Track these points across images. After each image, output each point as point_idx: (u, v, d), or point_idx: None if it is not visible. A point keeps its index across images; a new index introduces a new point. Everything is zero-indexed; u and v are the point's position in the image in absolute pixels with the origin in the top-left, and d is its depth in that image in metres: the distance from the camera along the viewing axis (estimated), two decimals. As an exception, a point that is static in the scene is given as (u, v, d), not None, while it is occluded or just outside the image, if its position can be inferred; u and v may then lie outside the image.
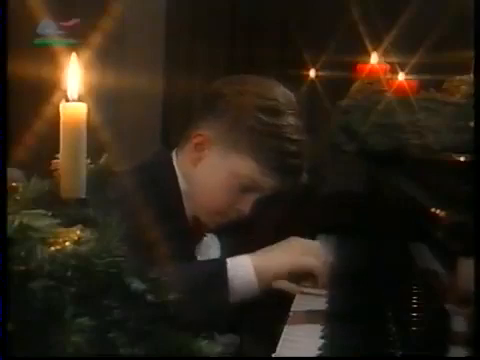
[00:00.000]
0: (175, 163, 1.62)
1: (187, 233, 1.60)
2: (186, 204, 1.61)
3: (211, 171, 1.58)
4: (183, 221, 1.60)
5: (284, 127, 1.56)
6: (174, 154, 1.65)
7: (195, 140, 1.59)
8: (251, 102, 1.56)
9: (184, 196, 1.60)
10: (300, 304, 1.57)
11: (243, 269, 1.42)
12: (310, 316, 1.47)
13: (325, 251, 1.48)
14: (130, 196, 1.23)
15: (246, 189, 1.57)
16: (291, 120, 1.57)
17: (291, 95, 1.63)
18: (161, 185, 1.54)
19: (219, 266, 1.42)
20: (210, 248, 1.70)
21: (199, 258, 1.65)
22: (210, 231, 1.68)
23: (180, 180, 1.61)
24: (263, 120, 1.54)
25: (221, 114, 1.57)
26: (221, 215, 1.61)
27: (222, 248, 1.72)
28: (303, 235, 1.66)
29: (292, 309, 1.56)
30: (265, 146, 1.54)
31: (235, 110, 1.56)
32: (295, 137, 1.57)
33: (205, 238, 1.69)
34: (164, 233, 1.20)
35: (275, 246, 1.53)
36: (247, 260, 1.43)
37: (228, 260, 1.43)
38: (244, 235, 1.76)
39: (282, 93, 1.60)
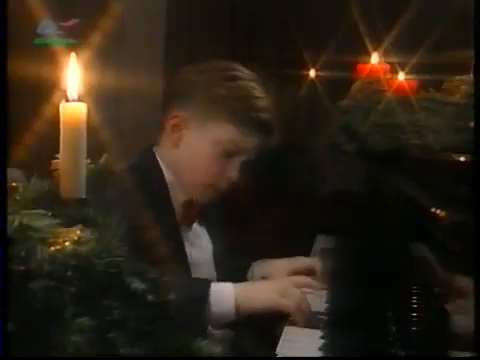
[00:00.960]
0: (158, 157, 1.69)
1: (176, 224, 1.65)
2: (175, 192, 1.66)
3: (193, 146, 1.66)
4: (171, 212, 1.64)
5: (250, 88, 1.67)
6: (155, 149, 1.71)
7: (172, 122, 1.67)
8: (216, 76, 1.67)
9: (171, 186, 1.66)
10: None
11: (225, 297, 1.44)
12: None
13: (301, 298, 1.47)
14: (123, 198, 1.25)
15: (230, 154, 1.65)
16: (253, 84, 1.68)
17: (250, 71, 1.74)
18: (148, 182, 1.58)
19: (202, 289, 1.44)
20: (200, 238, 1.73)
21: (188, 247, 1.67)
22: (204, 210, 1.72)
23: (165, 171, 1.67)
24: (230, 85, 1.65)
25: (191, 93, 1.66)
26: (213, 187, 1.67)
27: (212, 237, 1.75)
28: (303, 235, 1.67)
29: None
30: (238, 108, 1.64)
31: (204, 85, 1.65)
32: (261, 95, 1.67)
33: (195, 227, 1.72)
34: (154, 227, 1.24)
35: (261, 283, 1.61)
36: (230, 290, 1.45)
37: (212, 285, 1.45)
38: (233, 225, 1.81)
39: (241, 67, 1.73)
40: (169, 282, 0.79)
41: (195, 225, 1.72)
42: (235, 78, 1.67)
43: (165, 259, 1.31)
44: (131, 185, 1.29)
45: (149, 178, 1.63)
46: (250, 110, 1.65)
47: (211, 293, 1.43)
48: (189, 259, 1.66)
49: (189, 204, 1.68)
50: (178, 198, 1.67)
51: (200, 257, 1.70)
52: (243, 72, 1.70)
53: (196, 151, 1.65)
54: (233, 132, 1.64)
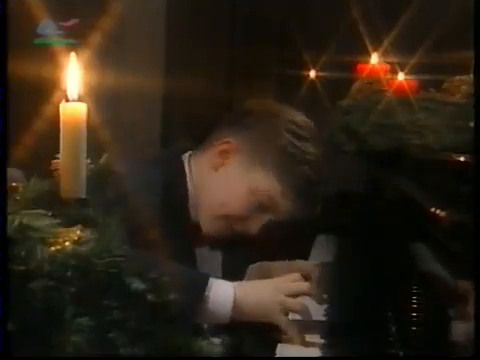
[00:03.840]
0: (186, 165, 1.63)
1: (187, 235, 1.60)
2: (193, 206, 1.61)
3: (232, 179, 1.59)
4: (186, 222, 1.60)
5: (309, 154, 1.59)
6: (186, 157, 1.66)
7: (222, 147, 1.61)
8: (283, 123, 1.60)
9: (191, 198, 1.61)
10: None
11: (223, 297, 1.39)
12: (310, 316, 1.47)
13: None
14: (136, 189, 1.23)
15: (262, 208, 1.57)
16: (313, 149, 1.61)
17: (312, 123, 1.67)
18: (169, 183, 1.55)
19: (201, 284, 1.39)
20: (207, 260, 1.68)
21: (200, 264, 1.64)
22: (205, 244, 1.67)
23: (189, 183, 1.61)
24: (293, 142, 1.58)
25: (252, 126, 1.60)
26: (227, 225, 1.60)
27: (223, 255, 1.71)
28: (303, 235, 1.66)
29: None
30: (291, 168, 1.56)
31: (267, 126, 1.59)
32: (318, 166, 1.60)
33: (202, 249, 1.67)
34: (165, 231, 1.21)
35: (261, 282, 1.53)
36: (230, 290, 1.40)
37: (213, 281, 1.40)
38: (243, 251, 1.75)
39: (306, 121, 1.66)
40: (169, 282, 0.79)
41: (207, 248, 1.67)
42: (300, 136, 1.60)
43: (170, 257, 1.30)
44: (149, 178, 1.25)
45: (172, 181, 1.59)
46: (302, 177, 1.58)
47: (210, 287, 1.39)
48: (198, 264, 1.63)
49: (197, 227, 1.62)
50: (194, 213, 1.62)
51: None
52: (306, 127, 1.63)
53: (231, 185, 1.59)
54: (275, 188, 1.57)
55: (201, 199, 1.61)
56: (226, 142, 1.61)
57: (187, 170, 1.63)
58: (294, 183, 1.57)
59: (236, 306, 1.39)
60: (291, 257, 1.81)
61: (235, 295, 1.40)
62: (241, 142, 1.60)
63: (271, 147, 1.58)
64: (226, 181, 1.60)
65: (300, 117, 1.65)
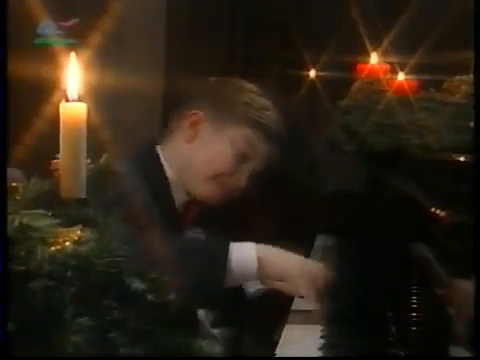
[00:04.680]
0: (160, 154, 1.72)
1: (177, 221, 1.67)
2: (176, 191, 1.69)
3: (210, 142, 1.71)
4: (171, 209, 1.67)
5: (264, 101, 1.75)
6: (159, 147, 1.74)
7: (190, 119, 1.72)
8: (234, 87, 1.76)
9: (173, 184, 1.69)
10: (300, 304, 1.57)
11: (247, 254, 1.46)
12: (310, 316, 1.47)
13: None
14: (121, 195, 1.26)
15: (245, 158, 1.69)
16: (267, 101, 1.76)
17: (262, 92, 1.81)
18: (148, 178, 1.60)
19: (222, 247, 1.47)
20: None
21: None
22: (194, 224, 1.73)
23: (168, 169, 1.70)
24: (248, 95, 1.73)
25: (211, 94, 1.74)
26: (219, 184, 1.69)
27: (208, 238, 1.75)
28: (303, 235, 1.67)
29: (292, 309, 1.56)
30: (255, 113, 1.71)
31: (224, 91, 1.74)
32: (274, 110, 1.76)
33: (192, 232, 1.73)
34: (153, 221, 1.26)
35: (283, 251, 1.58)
36: (252, 248, 1.48)
37: (233, 244, 1.47)
38: (232, 229, 1.81)
39: (259, 91, 1.80)
40: (169, 282, 0.79)
41: (194, 226, 1.73)
42: (251, 91, 1.75)
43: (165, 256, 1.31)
44: (130, 181, 1.29)
45: (150, 175, 1.66)
46: (264, 118, 1.72)
47: (232, 249, 1.45)
48: None
49: (190, 204, 1.69)
50: (179, 198, 1.68)
51: None
52: (256, 89, 1.77)
53: (212, 147, 1.70)
54: (250, 135, 1.70)
55: (187, 173, 1.70)
56: (193, 114, 1.71)
57: (163, 160, 1.71)
58: (263, 127, 1.71)
59: (260, 264, 1.45)
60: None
61: (258, 254, 1.46)
62: (207, 110, 1.71)
63: (236, 104, 1.72)
64: (205, 146, 1.71)
65: (250, 84, 1.79)
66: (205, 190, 1.70)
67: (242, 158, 1.69)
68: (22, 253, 0.71)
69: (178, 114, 1.76)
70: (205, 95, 1.75)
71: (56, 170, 0.85)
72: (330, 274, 1.55)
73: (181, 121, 1.74)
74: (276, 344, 1.35)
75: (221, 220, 1.83)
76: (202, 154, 1.70)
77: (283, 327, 1.45)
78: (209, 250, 1.46)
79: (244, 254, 1.46)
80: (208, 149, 1.71)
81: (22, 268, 0.70)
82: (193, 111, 1.71)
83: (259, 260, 1.45)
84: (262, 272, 1.46)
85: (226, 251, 1.45)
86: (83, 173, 0.84)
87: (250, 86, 1.77)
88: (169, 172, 1.70)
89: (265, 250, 1.50)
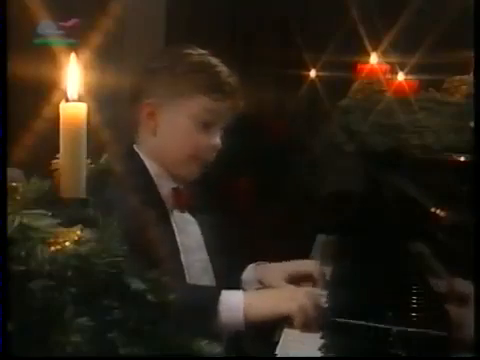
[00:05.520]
0: (140, 153, 1.73)
1: (165, 213, 1.68)
2: (162, 182, 1.71)
3: (172, 126, 1.71)
4: (159, 202, 1.68)
5: (206, 60, 1.75)
6: (136, 147, 1.75)
7: (145, 110, 1.72)
8: (174, 57, 1.74)
9: (157, 177, 1.71)
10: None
11: (234, 305, 1.47)
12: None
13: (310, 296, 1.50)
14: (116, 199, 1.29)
15: (208, 124, 1.70)
16: (207, 57, 1.76)
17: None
18: (133, 178, 1.61)
19: (213, 296, 1.48)
20: (189, 224, 1.75)
21: (178, 235, 1.69)
22: (195, 198, 1.76)
23: (149, 164, 1.71)
24: (189, 61, 1.73)
25: (156, 80, 1.72)
26: (198, 159, 1.71)
27: (200, 224, 1.77)
28: (303, 235, 1.67)
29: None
30: (202, 78, 1.71)
31: (165, 69, 1.72)
32: (218, 63, 1.75)
33: (185, 215, 1.75)
34: (144, 218, 1.35)
35: (269, 291, 1.64)
36: (240, 297, 1.49)
37: (223, 292, 1.48)
38: (224, 216, 1.84)
39: (192, 46, 1.81)
40: (169, 282, 0.79)
41: (186, 213, 1.74)
42: (190, 55, 1.75)
43: (155, 245, 1.33)
44: (118, 186, 1.31)
45: (134, 174, 1.66)
46: (213, 77, 1.72)
47: (221, 301, 1.46)
48: (179, 245, 1.68)
49: (177, 191, 1.71)
50: (166, 187, 1.71)
51: (191, 244, 1.72)
52: (195, 49, 1.78)
53: (175, 130, 1.71)
54: (205, 101, 1.70)
55: (164, 163, 1.71)
56: (146, 105, 1.72)
57: (141, 155, 1.73)
58: (214, 86, 1.70)
59: (247, 309, 1.46)
60: (291, 256, 1.81)
61: (244, 300, 1.47)
62: (158, 95, 1.71)
63: (180, 78, 1.70)
64: (169, 132, 1.71)
65: (187, 45, 1.80)
66: (187, 172, 1.73)
67: (207, 126, 1.71)
68: (22, 253, 0.71)
69: (135, 110, 1.76)
70: (151, 82, 1.73)
71: (56, 170, 0.85)
72: (320, 297, 1.55)
73: (140, 115, 1.75)
74: (276, 344, 1.35)
75: (215, 209, 1.86)
76: (169, 141, 1.72)
77: (283, 327, 1.45)
78: (198, 300, 1.47)
79: (231, 306, 1.47)
80: (173, 134, 1.71)
81: (22, 268, 0.70)
82: (145, 102, 1.72)
83: (245, 309, 1.46)
84: (250, 320, 1.47)
85: (216, 302, 1.46)
86: (83, 173, 0.84)
87: (190, 50, 1.77)
88: (150, 165, 1.72)
89: (252, 296, 1.51)
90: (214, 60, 1.76)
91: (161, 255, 1.33)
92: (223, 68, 1.74)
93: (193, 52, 1.76)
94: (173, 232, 1.69)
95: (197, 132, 1.70)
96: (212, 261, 1.76)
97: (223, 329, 1.47)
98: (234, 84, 1.74)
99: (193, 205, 1.77)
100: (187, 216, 1.76)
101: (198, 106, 1.69)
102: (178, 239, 1.69)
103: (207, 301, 1.47)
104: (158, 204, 1.68)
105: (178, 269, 1.63)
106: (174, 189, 1.72)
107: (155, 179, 1.71)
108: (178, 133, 1.71)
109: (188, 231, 1.74)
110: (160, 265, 1.26)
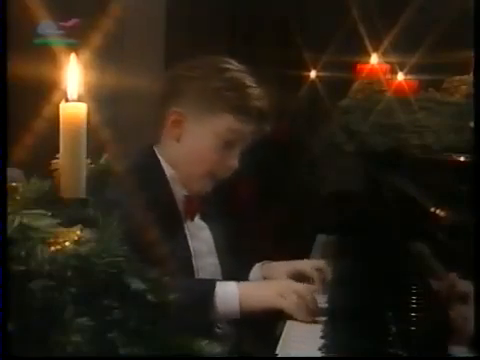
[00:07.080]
0: (158, 154, 1.74)
1: (179, 217, 1.70)
2: (176, 187, 1.71)
3: (195, 138, 1.71)
4: (173, 206, 1.70)
5: (241, 78, 1.73)
6: (156, 148, 1.76)
7: (172, 117, 1.72)
8: (209, 69, 1.73)
9: (172, 181, 1.71)
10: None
11: (230, 296, 1.51)
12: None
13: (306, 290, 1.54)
14: (125, 197, 1.31)
15: (230, 144, 1.70)
16: (244, 75, 1.75)
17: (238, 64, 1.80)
18: (149, 179, 1.63)
19: (208, 288, 1.52)
20: (201, 230, 1.77)
21: (190, 240, 1.71)
22: (206, 205, 1.77)
23: (166, 167, 1.72)
24: (223, 77, 1.71)
25: (187, 89, 1.73)
26: (212, 177, 1.71)
27: (213, 232, 1.78)
28: (303, 235, 1.67)
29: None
30: (232, 97, 1.70)
31: (198, 80, 1.72)
32: (252, 84, 1.73)
33: (197, 220, 1.76)
34: (156, 220, 1.34)
35: (264, 282, 1.70)
36: (235, 288, 1.53)
37: (218, 283, 1.52)
38: (234, 220, 1.84)
39: (231, 60, 1.79)
40: (169, 282, 0.79)
41: (197, 219, 1.75)
42: (227, 70, 1.73)
43: (168, 252, 1.35)
44: (132, 184, 1.31)
45: (150, 175, 1.69)
46: (244, 98, 1.71)
47: (216, 293, 1.50)
48: (192, 251, 1.69)
49: (189, 198, 1.71)
50: (179, 192, 1.71)
51: (202, 249, 1.74)
52: (233, 64, 1.76)
53: (198, 143, 1.71)
54: (231, 121, 1.69)
55: (180, 171, 1.72)
56: (174, 112, 1.72)
57: (160, 157, 1.74)
58: (241, 106, 1.70)
59: (242, 300, 1.50)
60: (291, 256, 1.81)
61: (239, 291, 1.51)
62: (186, 106, 1.71)
63: (210, 93, 1.70)
64: (192, 143, 1.72)
65: (220, 60, 1.77)
66: (200, 187, 1.73)
67: (229, 145, 1.70)
68: (22, 253, 0.71)
69: (161, 113, 1.76)
70: (183, 90, 1.74)
71: (56, 170, 0.85)
72: (315, 291, 1.58)
73: (165, 120, 1.75)
74: (276, 343, 1.35)
75: (224, 212, 1.86)
76: (191, 153, 1.72)
77: (283, 327, 1.45)
78: (195, 291, 1.49)
79: (227, 294, 1.51)
80: (195, 147, 1.71)
81: (22, 268, 0.70)
82: (172, 109, 1.72)
83: (241, 298, 1.51)
84: (245, 309, 1.51)
85: (212, 292, 1.50)
86: (83, 173, 0.84)
87: (228, 65, 1.75)
88: (167, 168, 1.72)
89: (247, 286, 1.55)
90: (249, 80, 1.74)
91: (173, 259, 1.35)
92: (255, 90, 1.73)
93: (230, 67, 1.74)
94: (186, 236, 1.71)
95: (218, 150, 1.69)
96: (221, 264, 1.77)
97: (219, 320, 1.53)
98: (263, 108, 1.73)
99: (204, 211, 1.78)
100: (198, 222, 1.77)
101: (224, 125, 1.69)
102: (190, 244, 1.71)
103: (203, 292, 1.51)
104: (172, 208, 1.69)
105: (189, 272, 1.65)
106: (186, 196, 1.72)
107: (170, 182, 1.71)
108: (200, 147, 1.71)
109: (200, 237, 1.76)
110: (170, 268, 1.28)
